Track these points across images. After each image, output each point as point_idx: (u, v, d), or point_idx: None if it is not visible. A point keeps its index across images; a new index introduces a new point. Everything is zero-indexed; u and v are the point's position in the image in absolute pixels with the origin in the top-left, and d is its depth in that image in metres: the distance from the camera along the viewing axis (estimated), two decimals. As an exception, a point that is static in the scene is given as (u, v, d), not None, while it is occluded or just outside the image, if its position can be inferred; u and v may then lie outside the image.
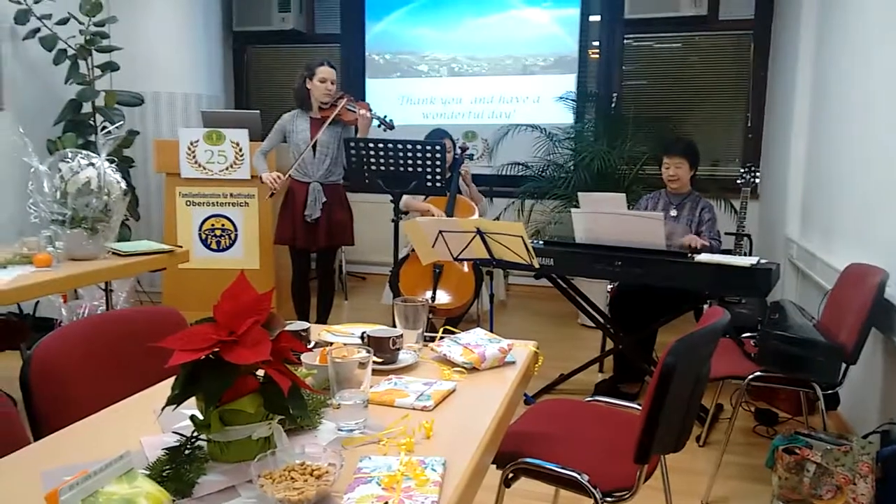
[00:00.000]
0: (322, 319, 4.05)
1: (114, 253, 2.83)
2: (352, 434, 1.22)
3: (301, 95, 3.89)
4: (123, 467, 0.85)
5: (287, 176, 3.82)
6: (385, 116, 3.99)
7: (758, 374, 2.48)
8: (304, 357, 1.43)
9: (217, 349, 1.04)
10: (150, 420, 1.24)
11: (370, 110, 3.88)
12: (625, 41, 5.71)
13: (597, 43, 5.77)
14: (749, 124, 5.45)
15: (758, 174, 3.89)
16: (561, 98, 5.66)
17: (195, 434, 1.10)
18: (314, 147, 3.83)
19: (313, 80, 3.81)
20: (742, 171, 3.86)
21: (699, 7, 5.21)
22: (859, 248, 2.86)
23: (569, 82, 5.76)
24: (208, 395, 1.05)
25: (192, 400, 1.09)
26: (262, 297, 1.12)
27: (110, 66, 4.62)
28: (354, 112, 3.83)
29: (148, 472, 1.01)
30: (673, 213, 3.54)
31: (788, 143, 4.24)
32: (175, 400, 1.08)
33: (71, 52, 4.45)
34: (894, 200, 2.58)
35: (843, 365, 2.37)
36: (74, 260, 2.67)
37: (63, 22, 4.36)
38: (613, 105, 5.58)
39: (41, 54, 4.40)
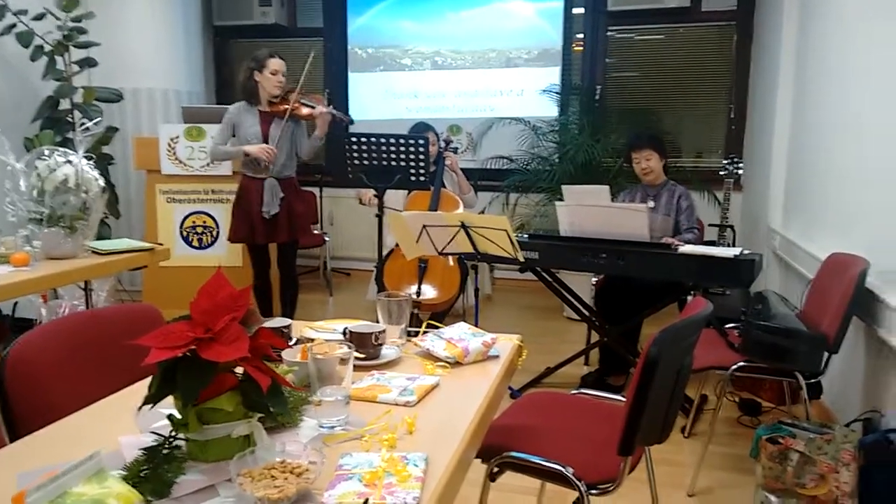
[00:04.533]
0: (288, 315, 3.99)
1: (93, 251, 2.78)
2: (333, 431, 1.20)
3: (249, 89, 3.73)
4: (93, 468, 0.83)
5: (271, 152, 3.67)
6: (344, 112, 3.86)
7: (741, 364, 2.50)
8: (285, 353, 1.42)
9: (194, 347, 1.03)
10: (128, 420, 1.22)
11: (327, 105, 3.76)
12: (608, 33, 5.71)
13: (580, 35, 5.77)
14: (732, 115, 5.47)
15: (741, 165, 3.91)
16: (545, 91, 5.66)
17: (173, 433, 1.09)
18: (266, 144, 3.71)
19: (263, 72, 3.67)
20: (725, 162, 3.87)
21: (682, -1, 5.22)
22: (840, 238, 2.88)
23: (553, 75, 5.76)
24: (185, 393, 1.03)
25: (171, 399, 1.07)
26: (240, 294, 1.10)
27: (88, 62, 4.56)
28: (312, 107, 3.71)
29: (125, 473, 0.99)
30: (651, 204, 3.55)
31: (771, 134, 4.26)
32: (152, 399, 1.06)
33: (48, 48, 4.39)
34: (874, 190, 2.60)
35: (826, 354, 2.38)
36: (53, 259, 2.63)
37: (39, 17, 4.30)
38: (597, 97, 5.58)
39: (17, 50, 4.32)
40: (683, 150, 5.66)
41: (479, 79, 5.97)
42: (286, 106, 3.69)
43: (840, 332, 2.33)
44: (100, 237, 3.02)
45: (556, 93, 5.65)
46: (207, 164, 4.54)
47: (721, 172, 3.87)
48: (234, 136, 3.79)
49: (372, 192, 4.10)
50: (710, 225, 4.10)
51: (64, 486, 0.78)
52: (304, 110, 3.72)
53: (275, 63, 3.68)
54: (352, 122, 3.87)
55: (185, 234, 4.61)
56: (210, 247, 4.62)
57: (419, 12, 6.02)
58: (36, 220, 2.59)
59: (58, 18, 4.37)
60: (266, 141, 3.71)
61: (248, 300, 1.10)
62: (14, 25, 4.27)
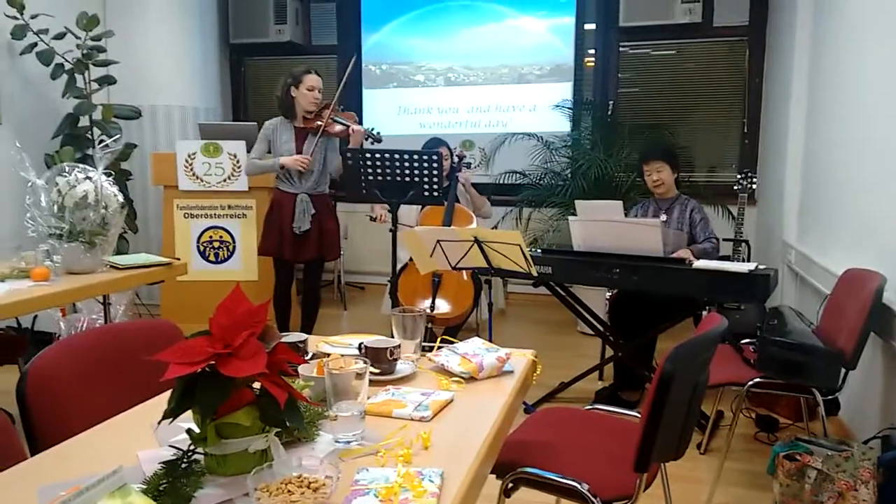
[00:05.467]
0: (307, 329, 3.99)
1: (112, 266, 2.82)
2: (349, 446, 1.21)
3: (286, 104, 3.78)
4: (116, 482, 0.84)
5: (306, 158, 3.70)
6: (373, 129, 3.85)
7: (757, 380, 2.47)
8: (302, 369, 1.43)
9: (213, 362, 1.04)
10: (147, 434, 1.23)
11: (358, 122, 3.80)
12: (620, 49, 5.73)
13: (592, 51, 5.80)
14: (745, 130, 5.46)
15: (755, 180, 3.90)
16: (557, 106, 5.67)
17: (192, 447, 1.10)
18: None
19: (300, 88, 3.71)
20: (739, 177, 3.86)
21: (693, 14, 5.24)
22: (857, 253, 2.86)
23: (565, 90, 5.78)
24: (204, 408, 1.05)
25: (190, 413, 1.08)
26: (258, 310, 1.11)
27: (107, 80, 4.64)
28: (345, 125, 3.74)
29: (145, 487, 1.00)
30: (663, 217, 3.54)
31: (785, 148, 4.25)
32: (171, 413, 1.07)
33: (68, 66, 4.46)
34: (891, 204, 2.58)
35: (843, 370, 2.36)
36: (72, 273, 2.67)
37: (60, 36, 4.38)
38: (610, 112, 5.59)
39: (38, 69, 4.41)
40: (697, 165, 5.65)
41: (491, 95, 6.00)
42: (319, 122, 3.72)
43: (857, 349, 2.30)
44: (118, 252, 3.06)
45: (569, 108, 5.66)
46: (224, 180, 4.59)
47: (735, 187, 3.86)
48: (269, 151, 3.83)
49: (386, 209, 4.12)
50: (724, 239, 4.08)
51: (87, 501, 0.79)
52: (337, 128, 3.74)
53: (311, 79, 3.72)
54: (380, 139, 3.87)
55: (201, 248, 4.66)
56: (226, 261, 4.66)
57: (432, 29, 6.07)
58: (56, 235, 2.62)
59: (78, 37, 4.45)
60: None
61: (266, 316, 1.12)
62: (35, 44, 4.35)
